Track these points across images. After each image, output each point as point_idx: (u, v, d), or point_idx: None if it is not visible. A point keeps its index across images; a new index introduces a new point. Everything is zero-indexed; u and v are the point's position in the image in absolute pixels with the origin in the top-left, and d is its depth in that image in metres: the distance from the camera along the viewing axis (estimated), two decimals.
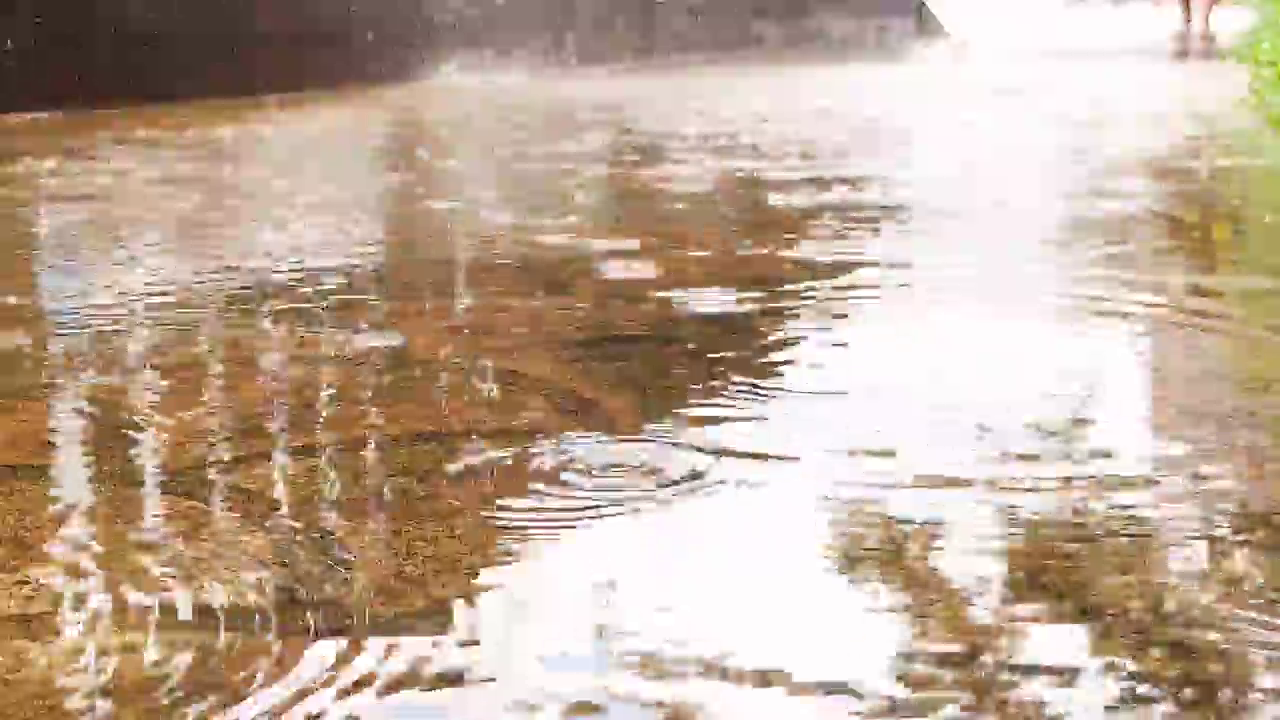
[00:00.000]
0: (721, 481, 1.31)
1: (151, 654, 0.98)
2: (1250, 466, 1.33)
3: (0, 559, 1.15)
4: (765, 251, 2.57)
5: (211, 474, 1.36)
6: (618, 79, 8.85)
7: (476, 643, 0.99)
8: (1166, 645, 0.96)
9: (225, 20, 7.08)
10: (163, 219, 3.15)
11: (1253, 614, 1.01)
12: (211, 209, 3.30)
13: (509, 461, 1.38)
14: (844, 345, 1.88)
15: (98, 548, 1.17)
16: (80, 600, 1.07)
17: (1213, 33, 12.87)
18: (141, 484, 1.34)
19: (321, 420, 1.54)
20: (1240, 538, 1.15)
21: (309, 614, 1.03)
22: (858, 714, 0.88)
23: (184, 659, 0.97)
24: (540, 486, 1.30)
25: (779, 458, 1.38)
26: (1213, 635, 0.98)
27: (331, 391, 1.66)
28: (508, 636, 1.00)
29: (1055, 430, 1.46)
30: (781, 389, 1.65)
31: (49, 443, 1.48)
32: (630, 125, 5.50)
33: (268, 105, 6.65)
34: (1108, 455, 1.38)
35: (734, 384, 1.66)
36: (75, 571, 1.12)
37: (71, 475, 1.38)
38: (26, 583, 1.10)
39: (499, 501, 1.27)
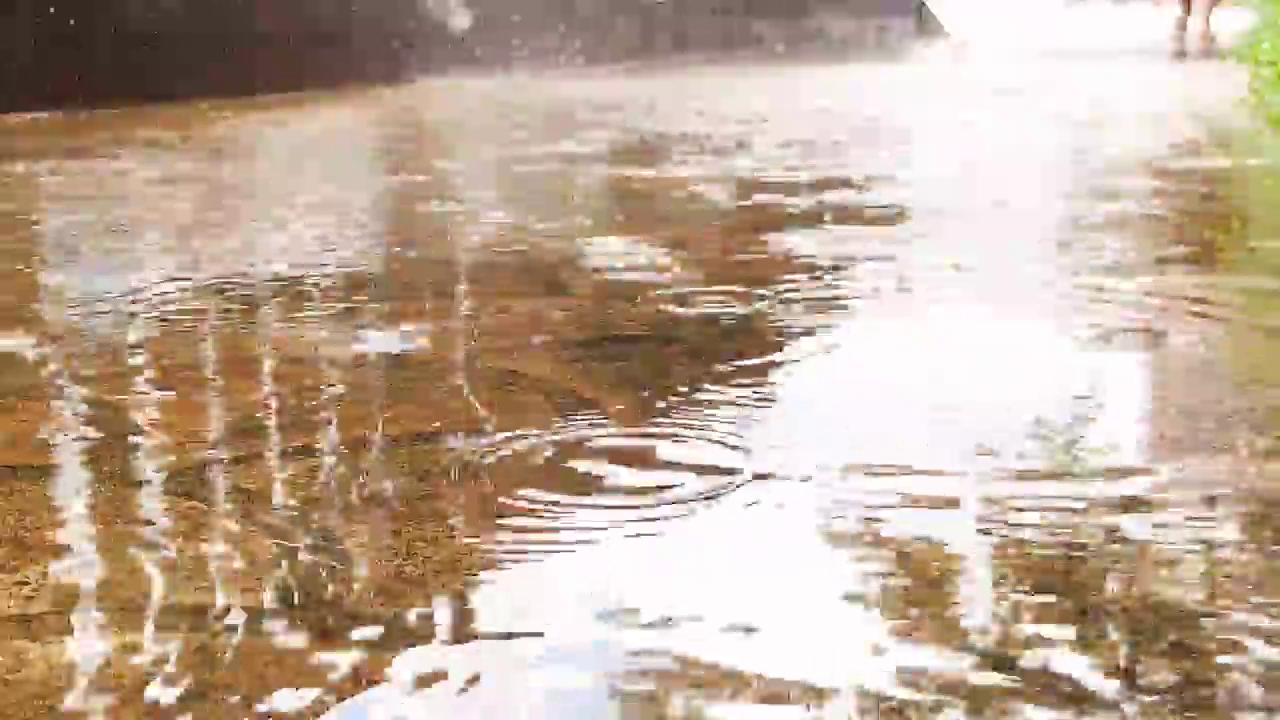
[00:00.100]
0: (722, 486, 1.31)
1: (152, 654, 0.98)
2: (1250, 467, 1.33)
3: (0, 559, 1.15)
4: (766, 252, 2.57)
5: (211, 474, 1.36)
6: (617, 79, 8.86)
7: (475, 642, 0.99)
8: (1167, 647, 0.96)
9: (225, 20, 7.08)
10: (162, 219, 3.15)
11: (1253, 615, 1.01)
12: (211, 209, 3.30)
13: (509, 461, 1.38)
14: (844, 346, 1.88)
15: (98, 548, 1.17)
16: (80, 600, 1.06)
17: (1213, 33, 12.87)
18: (140, 484, 1.34)
19: (321, 420, 1.54)
20: (1241, 538, 1.16)
21: (309, 614, 1.03)
22: None
23: (184, 659, 0.97)
24: (540, 487, 1.30)
25: (778, 471, 1.38)
26: (1213, 637, 0.98)
27: (331, 391, 1.67)
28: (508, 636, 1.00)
29: (1055, 433, 1.46)
30: (781, 390, 1.65)
31: (49, 443, 1.48)
32: (630, 125, 5.50)
33: (267, 105, 6.65)
34: (1107, 458, 1.37)
35: (734, 385, 1.66)
36: (75, 571, 1.12)
37: (71, 475, 1.38)
38: (26, 583, 1.10)
39: (499, 501, 1.27)
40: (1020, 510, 1.23)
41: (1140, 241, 2.69)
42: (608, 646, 0.98)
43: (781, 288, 2.23)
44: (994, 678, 0.92)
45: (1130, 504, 1.24)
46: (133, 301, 2.20)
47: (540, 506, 1.25)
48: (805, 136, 4.88)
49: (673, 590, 1.07)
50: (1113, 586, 1.06)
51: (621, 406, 1.56)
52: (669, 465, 1.36)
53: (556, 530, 1.20)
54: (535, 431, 1.47)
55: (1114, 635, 0.98)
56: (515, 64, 9.31)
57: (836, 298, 2.16)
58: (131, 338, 1.96)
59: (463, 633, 1.00)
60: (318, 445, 1.45)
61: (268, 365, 1.81)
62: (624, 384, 1.67)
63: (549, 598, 1.06)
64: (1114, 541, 1.15)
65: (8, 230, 3.02)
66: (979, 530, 1.18)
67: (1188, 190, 3.43)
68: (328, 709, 0.90)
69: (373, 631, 1.00)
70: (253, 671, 0.95)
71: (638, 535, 1.19)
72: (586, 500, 1.27)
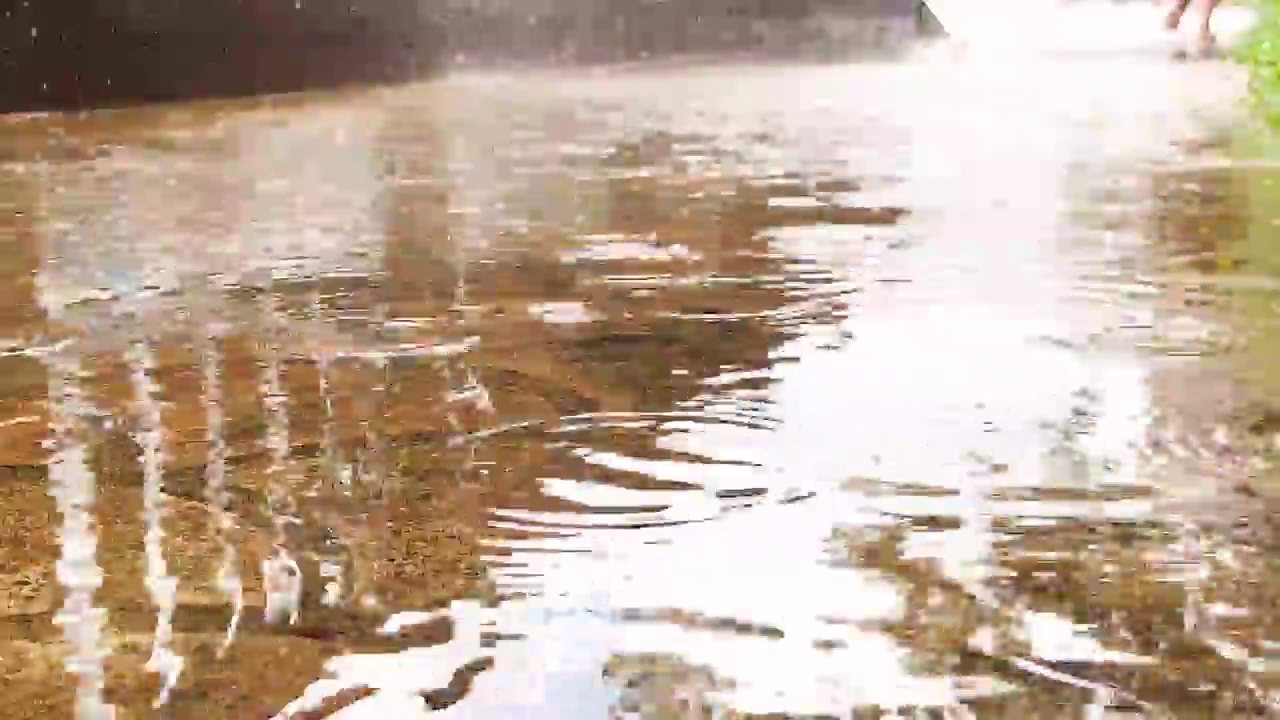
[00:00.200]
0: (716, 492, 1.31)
1: (152, 654, 0.98)
2: (1250, 466, 1.33)
3: (0, 559, 1.15)
4: (766, 252, 2.57)
5: (211, 474, 1.36)
6: (617, 79, 8.85)
7: (475, 643, 0.99)
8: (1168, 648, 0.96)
9: (225, 20, 7.08)
10: (162, 219, 3.15)
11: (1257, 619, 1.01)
12: (210, 209, 3.30)
13: (509, 461, 1.38)
14: (844, 347, 1.88)
15: (98, 548, 1.17)
16: (80, 600, 1.07)
17: (1213, 33, 12.86)
18: (139, 484, 1.34)
19: (321, 420, 1.54)
20: (1242, 536, 1.16)
21: (309, 614, 1.03)
22: None
23: (184, 660, 0.97)
24: (537, 489, 1.30)
25: (777, 471, 1.38)
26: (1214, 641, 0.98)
27: (331, 391, 1.67)
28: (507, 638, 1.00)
29: (1054, 435, 1.46)
30: (781, 391, 1.65)
31: (49, 443, 1.48)
32: (630, 125, 5.50)
33: (267, 105, 6.65)
34: (1107, 463, 1.37)
35: (734, 386, 1.66)
36: (75, 572, 1.12)
37: (71, 475, 1.38)
38: (26, 583, 1.10)
39: (498, 501, 1.27)
40: (1023, 519, 1.23)
41: (1140, 242, 2.69)
42: (607, 649, 0.98)
43: (782, 288, 2.23)
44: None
45: (1129, 503, 1.24)
46: (133, 300, 2.20)
47: (540, 507, 1.25)
48: (805, 136, 4.88)
49: (671, 594, 1.07)
50: (1112, 589, 1.06)
51: (621, 407, 1.56)
52: (667, 468, 1.36)
53: (556, 531, 1.20)
54: (535, 432, 1.47)
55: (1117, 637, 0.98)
56: (516, 64, 9.31)
57: (837, 297, 2.16)
58: (131, 336, 1.96)
59: (462, 633, 1.00)
60: (317, 445, 1.45)
61: (266, 365, 1.80)
62: (624, 384, 1.67)
63: (548, 598, 1.06)
64: (1112, 549, 1.15)
65: (6, 231, 3.02)
66: (979, 542, 1.18)
67: (1188, 190, 3.43)
68: (327, 709, 0.90)
69: (372, 631, 1.00)
70: (253, 671, 0.95)
71: (637, 532, 1.19)
72: (586, 504, 1.27)
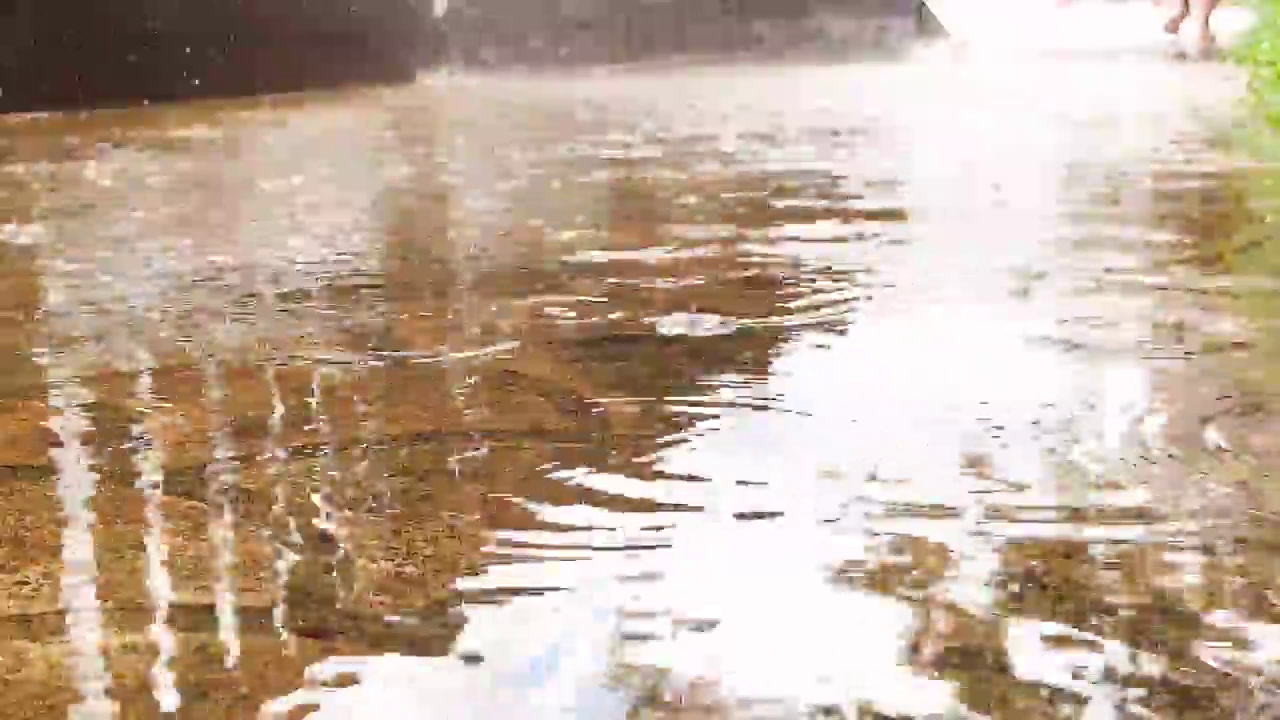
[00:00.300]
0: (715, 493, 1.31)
1: (152, 655, 0.98)
2: (1252, 466, 1.33)
3: (0, 559, 1.15)
4: (766, 251, 2.57)
5: (210, 474, 1.36)
6: (617, 79, 8.85)
7: (473, 644, 0.99)
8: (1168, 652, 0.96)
9: (225, 20, 7.08)
10: (162, 219, 3.15)
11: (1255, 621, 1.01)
12: (210, 209, 3.30)
13: (508, 461, 1.38)
14: (844, 347, 1.88)
15: (98, 547, 1.17)
16: (80, 601, 1.07)
17: (1212, 33, 12.85)
18: (139, 484, 1.34)
19: (321, 420, 1.54)
20: (1242, 542, 1.16)
21: (309, 614, 1.03)
22: None
23: (184, 660, 0.97)
24: (541, 487, 1.30)
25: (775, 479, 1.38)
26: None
27: (331, 391, 1.67)
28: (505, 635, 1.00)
29: (1054, 435, 1.46)
30: (782, 390, 1.65)
31: (49, 442, 1.48)
32: (631, 125, 5.50)
33: (267, 105, 6.65)
34: (1108, 463, 1.37)
35: (734, 386, 1.66)
36: (75, 572, 1.12)
37: (71, 475, 1.38)
38: (26, 583, 1.10)
39: (498, 501, 1.27)
40: (1023, 519, 1.23)
41: (1140, 241, 2.69)
42: (606, 651, 0.98)
43: (782, 287, 2.23)
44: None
45: (1130, 503, 1.24)
46: (134, 300, 2.20)
47: (540, 508, 1.25)
48: (805, 136, 4.88)
49: (669, 600, 1.07)
50: (1112, 591, 1.06)
51: (621, 407, 1.56)
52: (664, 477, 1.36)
53: (556, 535, 1.20)
54: (534, 431, 1.47)
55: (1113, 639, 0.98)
56: (516, 64, 9.31)
57: (837, 297, 2.16)
58: (131, 336, 1.96)
59: (462, 633, 1.00)
60: (317, 445, 1.45)
61: (266, 364, 1.80)
62: (624, 384, 1.67)
63: (547, 599, 1.06)
64: (1113, 549, 1.15)
65: (6, 232, 3.02)
66: (974, 542, 1.18)
67: (1188, 190, 3.43)
68: (327, 709, 0.90)
69: (373, 632, 1.00)
70: (252, 671, 0.95)
71: (637, 531, 1.19)
72: (587, 503, 1.27)
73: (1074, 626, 0.99)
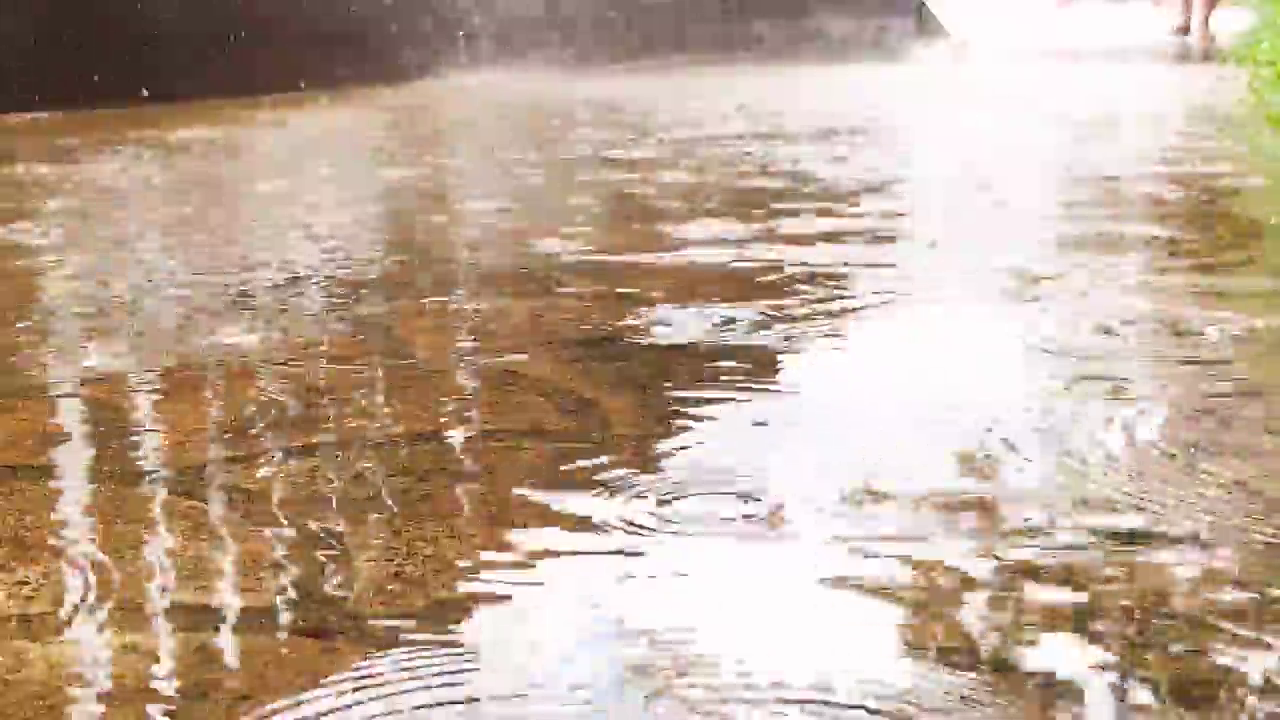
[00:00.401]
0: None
1: (152, 655, 0.98)
2: (1253, 466, 1.33)
3: (0, 559, 1.15)
4: (767, 251, 2.57)
5: (211, 474, 1.36)
6: (617, 79, 8.85)
7: (475, 642, 0.99)
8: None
9: (225, 20, 7.08)
10: (163, 219, 3.15)
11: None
12: (210, 209, 3.30)
13: (508, 462, 1.38)
14: (844, 346, 1.88)
15: (98, 547, 1.17)
16: (80, 600, 1.07)
17: (1212, 33, 12.85)
18: (139, 484, 1.34)
19: (321, 420, 1.54)
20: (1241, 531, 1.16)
21: (309, 614, 1.03)
22: None
23: (184, 660, 0.97)
24: (541, 489, 1.30)
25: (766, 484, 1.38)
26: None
27: (331, 390, 1.66)
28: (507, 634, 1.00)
29: (1054, 435, 1.46)
30: (781, 390, 1.65)
31: (49, 442, 1.48)
32: (631, 126, 5.50)
33: (267, 105, 6.65)
34: (1108, 462, 1.38)
35: (734, 386, 1.66)
36: (75, 571, 1.12)
37: (71, 475, 1.38)
38: (26, 583, 1.10)
39: (498, 501, 1.27)
40: (1023, 519, 1.23)
41: (1140, 241, 2.69)
42: (606, 653, 0.98)
43: (783, 286, 2.23)
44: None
45: (1130, 502, 1.24)
46: (135, 299, 2.20)
47: (541, 508, 1.25)
48: (805, 136, 4.88)
49: (671, 595, 1.07)
50: (1112, 589, 1.06)
51: (621, 407, 1.56)
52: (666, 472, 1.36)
53: (555, 531, 1.20)
54: (534, 431, 1.47)
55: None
56: (516, 64, 9.31)
57: (837, 296, 2.16)
58: (131, 335, 1.96)
59: (462, 633, 1.00)
60: (317, 444, 1.45)
61: (266, 364, 1.80)
62: (624, 384, 1.67)
63: (547, 600, 1.07)
64: (1113, 548, 1.15)
65: (6, 232, 3.02)
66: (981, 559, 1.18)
67: (1188, 190, 3.43)
68: (327, 709, 0.90)
69: (373, 632, 1.00)
70: (253, 671, 0.95)
71: (638, 532, 1.19)
72: (586, 503, 1.27)
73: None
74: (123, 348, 1.90)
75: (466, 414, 1.56)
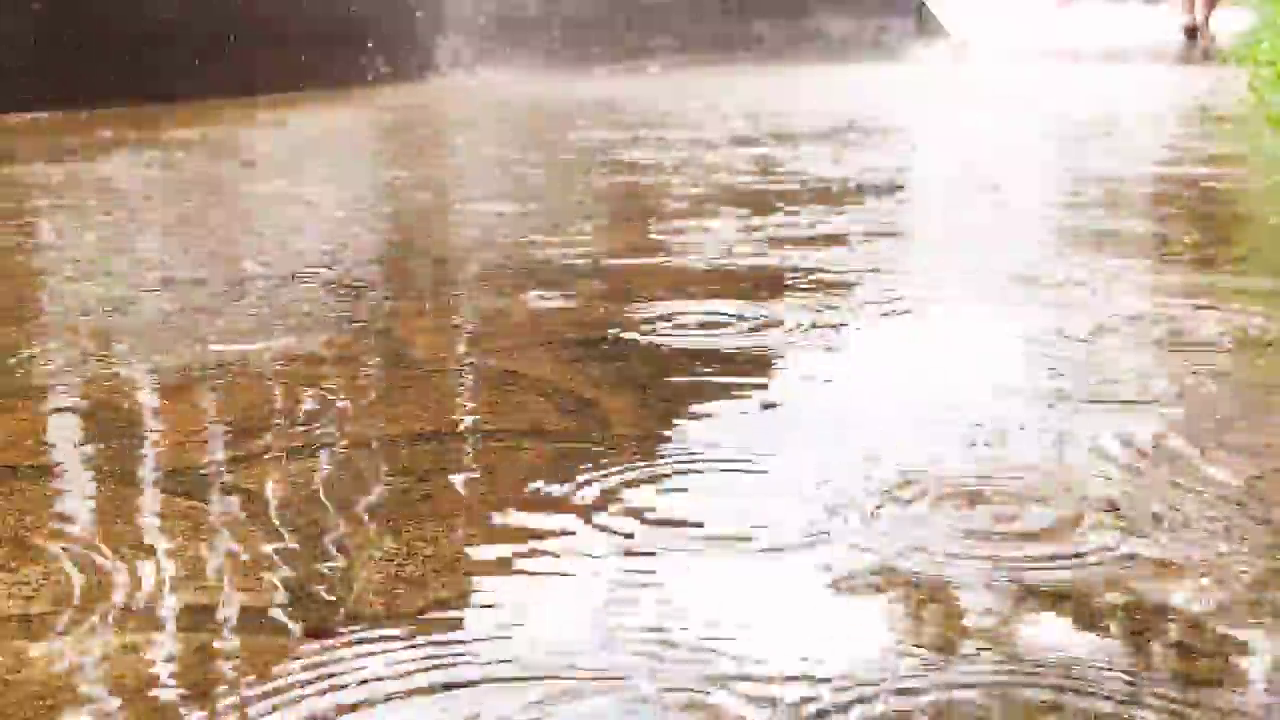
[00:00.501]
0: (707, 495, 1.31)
1: (152, 654, 0.98)
2: (1253, 466, 1.34)
3: (0, 559, 1.15)
4: (767, 250, 2.57)
5: (211, 474, 1.36)
6: (617, 79, 8.85)
7: (474, 643, 0.99)
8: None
9: (225, 20, 7.08)
10: (162, 219, 3.15)
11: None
12: (210, 209, 3.30)
13: (508, 462, 1.38)
14: (844, 346, 1.88)
15: (97, 547, 1.17)
16: (80, 600, 1.07)
17: (1212, 33, 12.85)
18: (139, 484, 1.34)
19: (321, 420, 1.54)
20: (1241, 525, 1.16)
21: (309, 614, 1.03)
22: None
23: (184, 660, 0.97)
24: (540, 489, 1.30)
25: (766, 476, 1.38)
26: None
27: (330, 390, 1.66)
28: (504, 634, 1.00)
29: (1054, 434, 1.46)
30: (781, 390, 1.65)
31: (49, 442, 1.48)
32: (631, 125, 5.50)
33: (267, 105, 6.65)
34: (1108, 462, 1.38)
35: (734, 385, 1.66)
36: (75, 571, 1.12)
37: (71, 475, 1.38)
38: (26, 583, 1.10)
39: (498, 502, 1.27)
40: (1023, 520, 1.23)
41: (1140, 241, 2.69)
42: (604, 656, 0.98)
43: (783, 285, 2.24)
44: None
45: (1130, 502, 1.24)
46: (135, 299, 2.20)
47: (540, 508, 1.25)
48: (806, 136, 4.88)
49: (670, 594, 1.07)
50: (1112, 589, 1.07)
51: (621, 406, 1.56)
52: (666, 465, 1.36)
53: (555, 531, 1.20)
54: (534, 431, 1.47)
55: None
56: (516, 64, 9.31)
57: (838, 296, 2.16)
58: (131, 335, 1.96)
59: (461, 634, 1.00)
60: (317, 444, 1.45)
61: (266, 364, 1.80)
62: (624, 384, 1.67)
63: (545, 601, 1.07)
64: (1113, 548, 1.15)
65: (7, 233, 3.02)
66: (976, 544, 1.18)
67: (1187, 190, 3.43)
68: (328, 709, 0.90)
69: (372, 631, 1.00)
70: (253, 671, 0.95)
71: (636, 535, 1.19)
72: (585, 503, 1.27)
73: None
74: (123, 347, 1.90)
75: (467, 414, 1.56)
